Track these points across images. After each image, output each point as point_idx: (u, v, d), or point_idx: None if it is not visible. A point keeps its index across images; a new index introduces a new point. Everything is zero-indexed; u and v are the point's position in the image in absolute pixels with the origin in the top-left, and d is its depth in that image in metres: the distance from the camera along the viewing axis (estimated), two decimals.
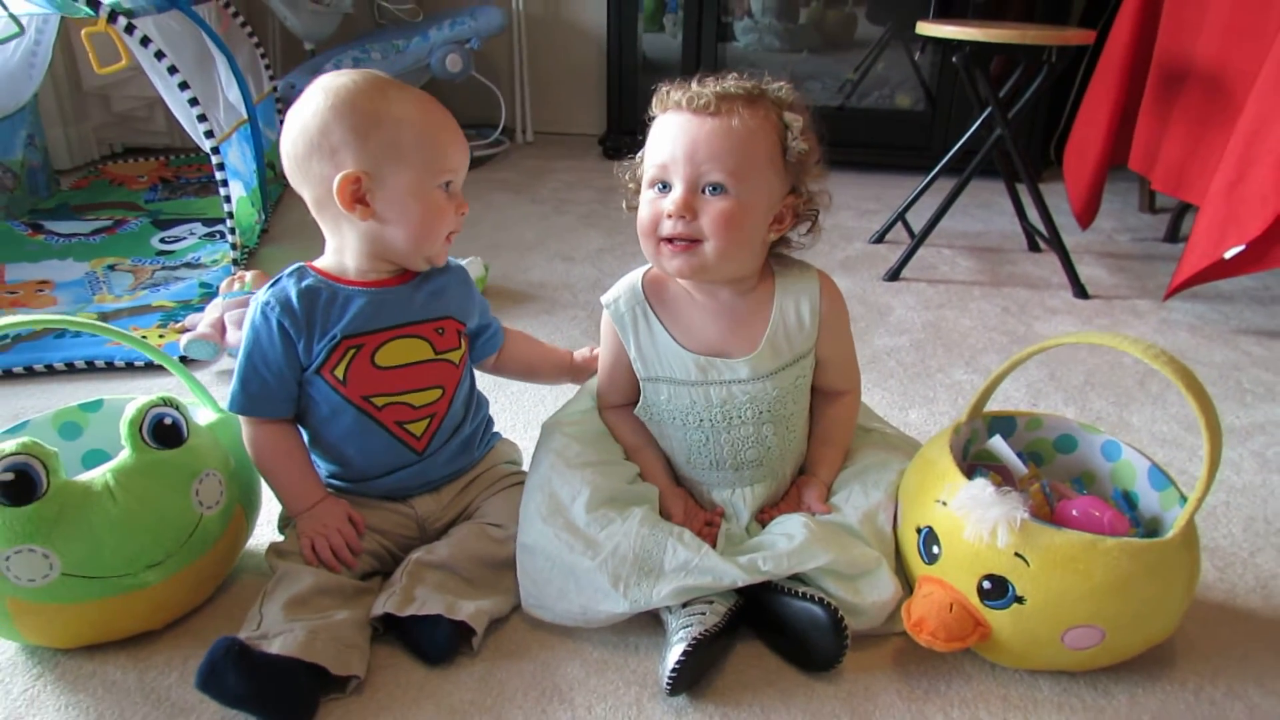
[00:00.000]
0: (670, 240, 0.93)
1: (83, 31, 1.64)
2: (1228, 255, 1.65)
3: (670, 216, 0.92)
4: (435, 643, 0.89)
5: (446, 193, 0.95)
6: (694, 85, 0.93)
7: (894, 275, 2.04)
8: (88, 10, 1.63)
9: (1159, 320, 1.86)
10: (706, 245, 0.92)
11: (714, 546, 0.96)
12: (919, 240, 2.06)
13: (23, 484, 0.80)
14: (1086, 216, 2.27)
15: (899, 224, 2.29)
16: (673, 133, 0.92)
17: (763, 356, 0.98)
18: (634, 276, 1.03)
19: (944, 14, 2.77)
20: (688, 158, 0.91)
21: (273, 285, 0.96)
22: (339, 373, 0.95)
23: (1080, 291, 1.97)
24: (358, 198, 0.91)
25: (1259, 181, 1.60)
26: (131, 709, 0.85)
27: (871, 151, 2.91)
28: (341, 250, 0.97)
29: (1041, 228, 2.05)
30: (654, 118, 0.96)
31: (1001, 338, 1.74)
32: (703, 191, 0.91)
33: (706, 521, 1.02)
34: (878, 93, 3.08)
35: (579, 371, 1.18)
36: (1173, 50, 2.02)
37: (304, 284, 0.95)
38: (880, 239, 2.31)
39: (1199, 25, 1.93)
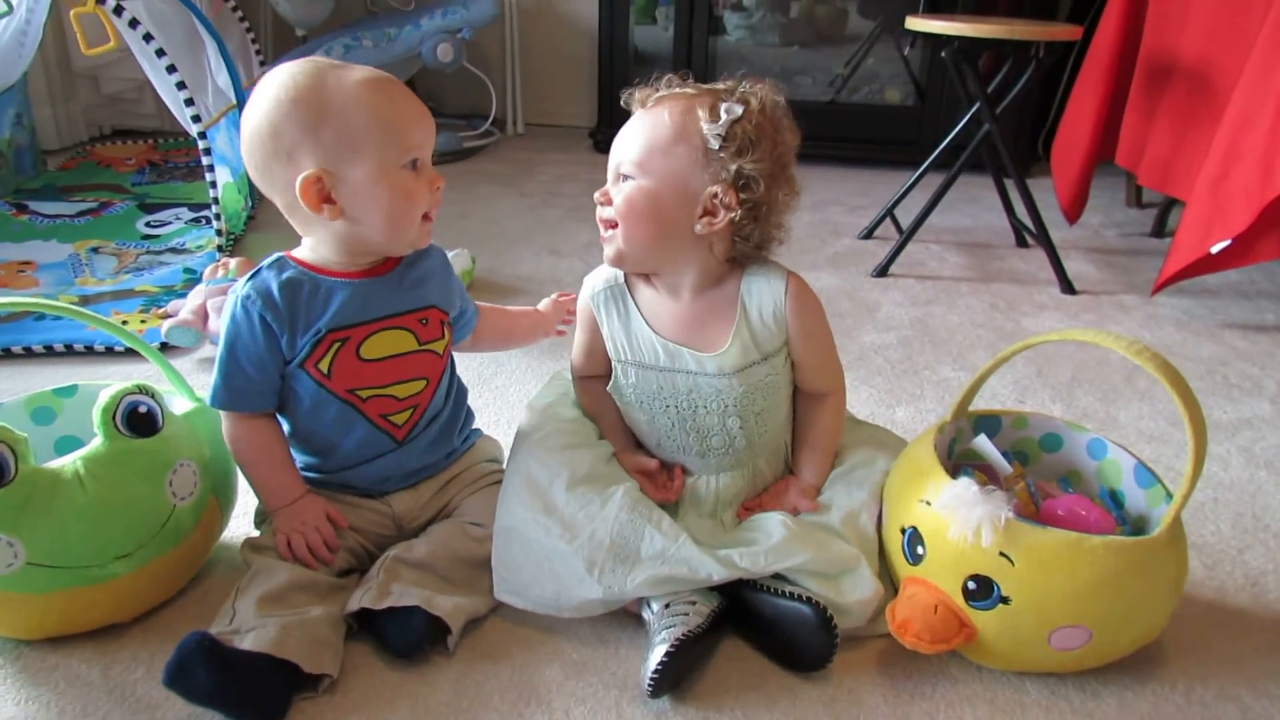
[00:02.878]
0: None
1: (71, 12, 1.61)
2: (1214, 250, 1.65)
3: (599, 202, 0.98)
4: (408, 634, 0.87)
5: (414, 171, 0.91)
6: (655, 87, 0.96)
7: (882, 271, 2.03)
8: None
9: (1146, 315, 1.85)
10: (617, 231, 0.96)
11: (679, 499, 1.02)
12: (907, 236, 2.05)
13: None
14: (1074, 212, 2.27)
15: (887, 220, 2.28)
16: (620, 131, 0.97)
17: (729, 355, 0.97)
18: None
19: (933, 9, 2.75)
20: (614, 154, 0.96)
21: (252, 278, 0.93)
22: (323, 366, 0.93)
23: (1068, 287, 1.96)
24: (324, 197, 0.88)
25: (1243, 176, 1.60)
26: (95, 704, 0.83)
27: (861, 146, 2.90)
28: (318, 247, 0.94)
29: (1029, 223, 2.04)
30: None
31: (989, 334, 1.74)
32: (620, 179, 0.95)
33: (666, 479, 1.04)
34: (868, 88, 3.07)
35: (549, 322, 1.19)
36: (1158, 47, 2.02)
37: (285, 276, 0.92)
38: (869, 235, 2.29)
39: (1183, 22, 1.93)
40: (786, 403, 1.05)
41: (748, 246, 0.96)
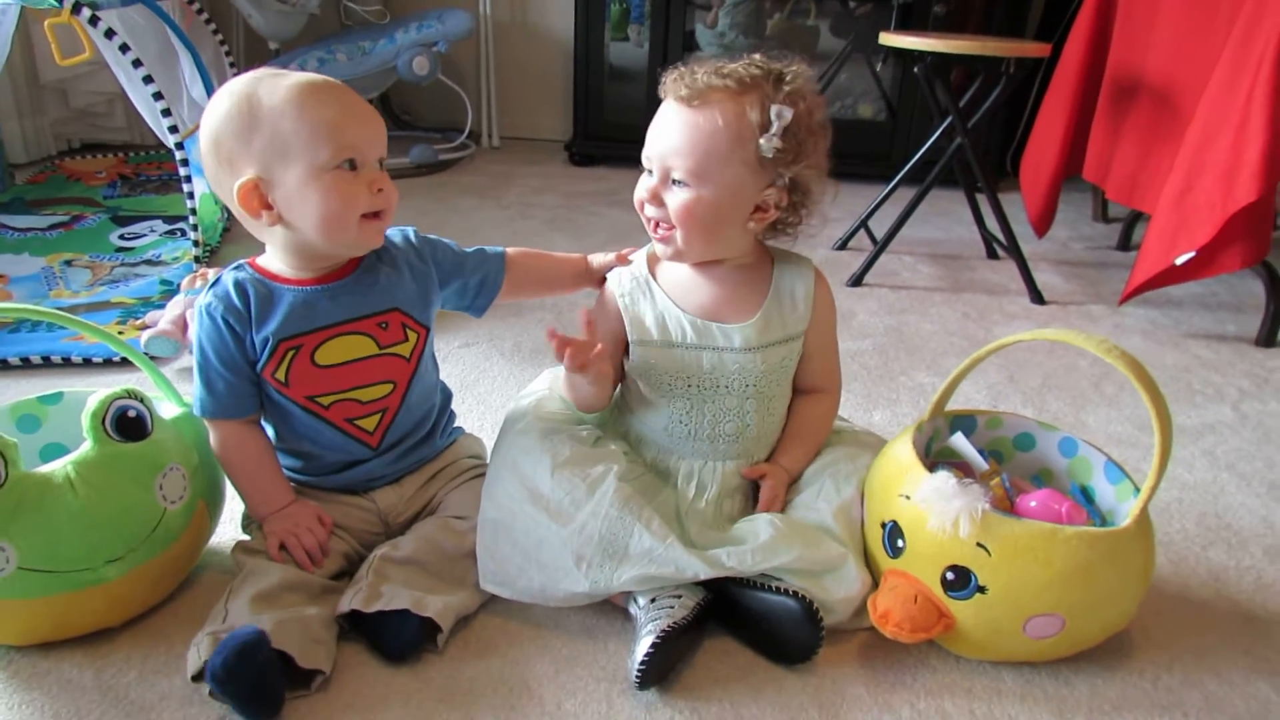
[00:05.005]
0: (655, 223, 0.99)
1: (45, 22, 1.61)
2: (1179, 261, 1.70)
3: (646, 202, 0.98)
4: (400, 638, 0.88)
5: (350, 172, 0.90)
6: (691, 72, 0.94)
7: (857, 281, 2.07)
8: (52, 1, 1.60)
9: (1113, 325, 1.91)
10: (676, 233, 0.97)
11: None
12: (881, 247, 2.09)
13: None
14: (1043, 225, 2.32)
15: (861, 231, 2.32)
16: (658, 120, 0.97)
17: (757, 326, 1.01)
18: (639, 252, 1.07)
19: (904, 26, 2.82)
20: (658, 149, 0.96)
21: (213, 285, 0.95)
22: (280, 375, 0.94)
23: (1037, 297, 2.01)
24: (262, 202, 0.90)
25: (1207, 190, 1.65)
26: (88, 707, 0.83)
27: (834, 160, 2.93)
28: (274, 253, 0.96)
29: (1000, 235, 2.09)
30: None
31: (962, 342, 1.77)
32: (672, 183, 0.95)
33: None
34: (840, 103, 3.13)
35: (595, 277, 1.11)
36: (1124, 65, 2.08)
37: (240, 278, 0.94)
38: (843, 246, 2.34)
39: (1148, 42, 1.99)
40: (789, 396, 1.08)
41: (784, 229, 1.00)
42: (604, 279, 1.09)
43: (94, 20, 1.64)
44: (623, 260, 1.09)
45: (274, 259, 0.96)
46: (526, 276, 1.10)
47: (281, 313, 0.93)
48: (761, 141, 0.92)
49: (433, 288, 1.02)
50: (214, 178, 0.92)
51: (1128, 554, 0.87)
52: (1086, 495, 1.02)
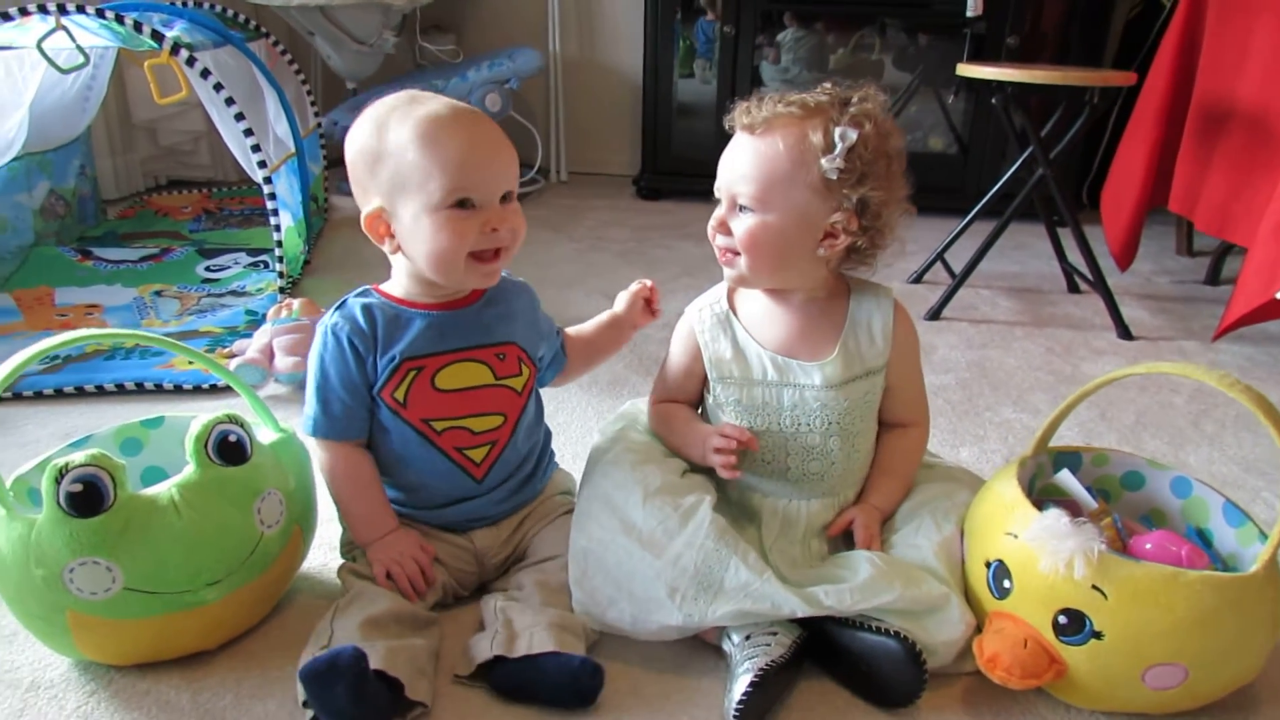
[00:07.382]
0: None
1: (146, 63, 1.68)
2: (1279, 295, 1.63)
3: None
4: (577, 679, 0.85)
5: (464, 211, 0.89)
6: (758, 103, 0.95)
7: (935, 315, 2.03)
8: (151, 43, 1.67)
9: (1207, 362, 1.83)
10: (740, 259, 0.97)
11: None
12: (960, 280, 2.05)
13: (91, 495, 0.80)
14: (1126, 258, 2.26)
15: (936, 265, 2.28)
16: (726, 152, 0.98)
17: (836, 363, 0.99)
18: (719, 287, 1.06)
19: (977, 58, 2.79)
20: (726, 179, 0.97)
21: (339, 307, 0.96)
22: (399, 394, 0.95)
23: (1125, 333, 1.95)
24: (386, 231, 0.92)
25: None
26: None
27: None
28: (399, 277, 0.98)
29: (1083, 268, 2.03)
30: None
31: (1048, 377, 1.72)
32: (738, 209, 0.96)
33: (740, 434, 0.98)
34: (910, 135, 3.10)
35: (631, 323, 1.14)
36: (1213, 92, 2.02)
37: (367, 303, 0.96)
38: (919, 279, 2.30)
39: (1240, 67, 1.93)
40: (875, 431, 1.05)
41: (861, 258, 0.98)
42: (649, 310, 1.13)
43: (191, 61, 1.71)
44: (638, 293, 1.13)
45: (399, 285, 0.97)
46: (576, 359, 1.12)
47: (411, 334, 0.94)
48: (823, 162, 0.91)
49: (539, 335, 1.04)
50: (357, 197, 0.95)
51: (1256, 602, 0.82)
52: (1204, 538, 0.97)
